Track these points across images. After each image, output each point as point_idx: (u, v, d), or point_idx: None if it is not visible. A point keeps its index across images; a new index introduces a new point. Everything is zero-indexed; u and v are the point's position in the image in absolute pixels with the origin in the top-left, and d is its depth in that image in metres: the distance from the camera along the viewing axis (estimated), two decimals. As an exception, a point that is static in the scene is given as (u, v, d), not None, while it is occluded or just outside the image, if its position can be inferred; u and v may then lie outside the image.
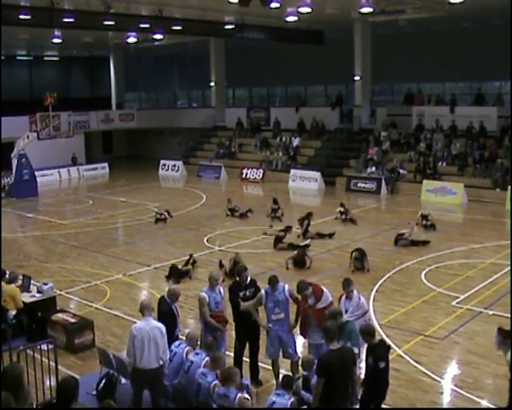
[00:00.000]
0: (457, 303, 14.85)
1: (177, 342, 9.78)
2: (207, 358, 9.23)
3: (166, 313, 10.34)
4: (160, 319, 10.37)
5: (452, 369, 11.78)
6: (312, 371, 8.70)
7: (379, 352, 8.57)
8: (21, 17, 24.50)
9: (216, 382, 8.62)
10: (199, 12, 28.25)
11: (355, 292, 10.46)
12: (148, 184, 35.14)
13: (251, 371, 10.91)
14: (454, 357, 12.27)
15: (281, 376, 10.33)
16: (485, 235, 21.53)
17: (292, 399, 8.31)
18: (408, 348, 12.29)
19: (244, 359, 10.99)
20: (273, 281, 10.40)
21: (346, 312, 10.12)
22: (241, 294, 10.76)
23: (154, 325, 9.20)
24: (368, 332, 8.78)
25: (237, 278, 11.03)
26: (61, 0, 24.59)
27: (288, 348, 10.46)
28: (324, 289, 10.43)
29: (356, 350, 8.85)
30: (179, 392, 9.22)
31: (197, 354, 9.35)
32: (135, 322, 14.07)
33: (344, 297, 10.44)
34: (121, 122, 45.01)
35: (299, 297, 10.44)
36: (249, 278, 10.98)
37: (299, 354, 10.66)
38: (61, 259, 20.07)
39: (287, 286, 10.48)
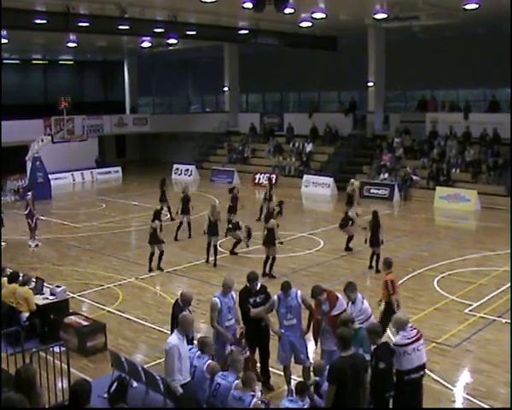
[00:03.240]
0: (470, 311, 14.78)
1: (188, 347, 9.75)
2: (209, 361, 9.22)
3: (176, 318, 10.35)
4: (173, 324, 10.37)
5: (465, 377, 11.73)
6: (323, 377, 8.69)
7: (380, 353, 8.61)
8: (37, 22, 24.67)
9: (237, 382, 8.59)
10: (213, 17, 28.34)
11: (359, 296, 10.40)
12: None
13: (262, 376, 10.89)
14: (466, 365, 12.21)
15: (292, 382, 10.34)
16: (498, 242, 21.41)
17: (305, 405, 8.29)
18: (420, 356, 12.22)
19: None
20: (286, 287, 10.40)
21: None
22: (252, 300, 10.79)
23: (167, 340, 9.18)
24: (375, 332, 8.78)
25: (248, 285, 11.01)
26: (77, 5, 24.74)
27: (300, 353, 10.45)
28: (339, 295, 10.40)
29: (368, 357, 8.81)
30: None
31: (198, 357, 9.30)
32: (147, 326, 14.22)
33: (350, 302, 10.40)
34: (135, 126, 45.21)
35: (313, 303, 10.43)
36: (259, 285, 11.00)
37: (311, 360, 10.64)
38: (73, 262, 20.16)
39: (299, 292, 10.46)
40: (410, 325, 9.16)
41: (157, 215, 18.78)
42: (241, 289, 11.12)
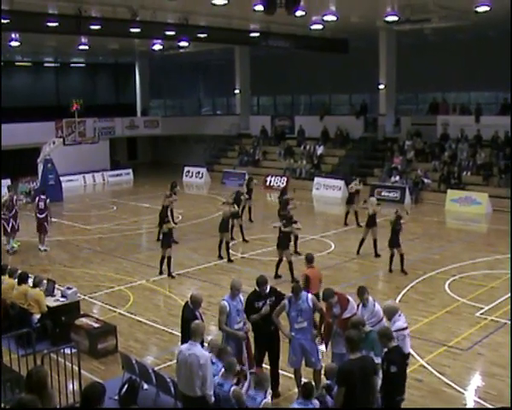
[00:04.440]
0: (481, 314, 14.73)
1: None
2: (224, 369, 9.15)
3: (190, 320, 10.33)
4: (184, 326, 10.34)
5: (476, 381, 11.69)
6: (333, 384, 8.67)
7: (392, 356, 8.57)
8: (49, 24, 24.77)
9: (234, 387, 8.58)
10: (224, 20, 28.37)
11: (370, 299, 10.36)
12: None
13: (271, 380, 10.84)
14: (478, 368, 12.17)
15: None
16: (508, 245, 21.27)
17: (316, 407, 8.30)
18: (431, 359, 12.20)
19: (265, 366, 10.98)
20: (296, 290, 10.38)
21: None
22: (261, 303, 10.68)
23: (193, 352, 8.61)
24: (385, 335, 8.75)
25: (257, 288, 10.91)
26: (89, 7, 24.83)
27: (311, 356, 10.42)
28: (350, 298, 10.38)
29: (378, 360, 8.79)
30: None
31: (213, 363, 9.09)
32: (158, 328, 14.26)
33: (361, 305, 10.37)
34: (146, 129, 45.34)
35: (324, 306, 10.42)
36: (269, 287, 10.90)
37: (322, 363, 10.62)
38: (84, 264, 20.23)
39: (310, 295, 10.45)
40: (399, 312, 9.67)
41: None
42: (249, 293, 11.06)
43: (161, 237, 18.88)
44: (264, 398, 8.36)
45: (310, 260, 13.31)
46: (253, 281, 10.93)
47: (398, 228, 18.17)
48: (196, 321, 9.32)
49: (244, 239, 22.47)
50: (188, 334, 10.12)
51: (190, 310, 10.36)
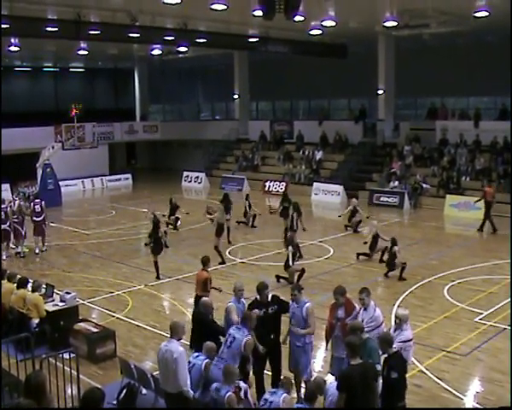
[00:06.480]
0: (480, 319, 14.72)
1: (195, 354, 9.58)
2: (223, 375, 9.04)
3: (210, 324, 10.26)
4: (200, 330, 10.15)
5: (475, 386, 11.66)
6: (326, 393, 8.54)
7: (393, 362, 8.56)
8: (48, 29, 24.80)
9: (229, 394, 8.55)
10: (223, 25, 28.42)
11: (372, 303, 10.28)
12: (170, 195, 35.19)
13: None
14: (477, 374, 12.14)
15: (302, 390, 10.28)
16: (508, 250, 21.24)
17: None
18: (430, 364, 12.18)
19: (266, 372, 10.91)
20: (293, 288, 10.40)
21: (362, 322, 10.04)
22: (262, 312, 10.33)
23: (169, 348, 8.86)
24: (386, 341, 8.74)
25: (257, 297, 10.61)
26: (88, 13, 24.88)
27: (298, 364, 10.33)
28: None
29: (378, 368, 8.76)
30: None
31: (239, 329, 9.30)
32: (157, 333, 14.24)
33: (362, 308, 10.32)
34: (145, 134, 45.40)
35: (329, 307, 10.42)
36: (270, 295, 10.63)
37: (308, 377, 10.37)
38: (83, 268, 20.22)
39: (308, 305, 10.23)
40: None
41: (157, 225, 19.05)
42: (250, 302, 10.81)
43: (153, 243, 18.91)
44: (283, 394, 8.34)
45: (204, 262, 13.55)
46: (252, 286, 10.87)
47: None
48: (175, 319, 9.37)
49: (229, 241, 22.67)
50: (205, 336, 9.90)
51: (204, 315, 10.35)
